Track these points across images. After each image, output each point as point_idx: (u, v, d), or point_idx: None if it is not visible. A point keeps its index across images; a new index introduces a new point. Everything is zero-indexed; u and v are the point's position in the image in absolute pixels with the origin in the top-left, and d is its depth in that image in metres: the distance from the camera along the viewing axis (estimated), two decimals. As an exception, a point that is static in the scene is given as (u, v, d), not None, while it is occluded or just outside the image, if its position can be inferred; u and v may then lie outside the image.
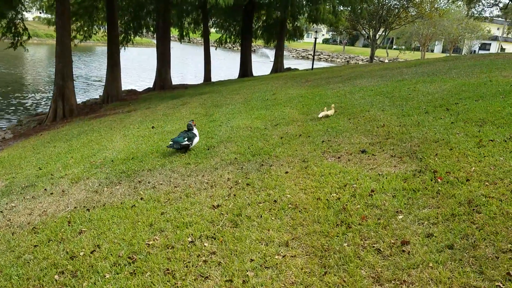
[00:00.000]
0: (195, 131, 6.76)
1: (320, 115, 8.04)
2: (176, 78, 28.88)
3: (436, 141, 5.53)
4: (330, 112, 8.10)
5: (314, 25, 27.87)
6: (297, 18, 29.13)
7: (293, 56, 68.34)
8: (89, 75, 31.37)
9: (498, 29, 70.68)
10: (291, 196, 4.52)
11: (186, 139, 6.53)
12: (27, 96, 22.21)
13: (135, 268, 3.40)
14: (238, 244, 3.58)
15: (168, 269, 3.32)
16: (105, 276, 3.37)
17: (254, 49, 60.37)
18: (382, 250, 3.27)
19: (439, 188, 4.12)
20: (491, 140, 5.19)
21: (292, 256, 3.36)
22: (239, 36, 29.68)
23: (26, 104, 20.32)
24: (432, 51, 68.77)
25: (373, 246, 3.34)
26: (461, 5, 40.04)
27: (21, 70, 32.52)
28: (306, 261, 3.28)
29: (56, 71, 15.70)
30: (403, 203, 3.96)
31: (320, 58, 66.18)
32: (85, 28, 22.25)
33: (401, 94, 9.22)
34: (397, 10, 37.49)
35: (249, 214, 4.16)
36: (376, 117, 7.40)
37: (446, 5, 40.22)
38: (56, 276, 3.51)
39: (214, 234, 3.81)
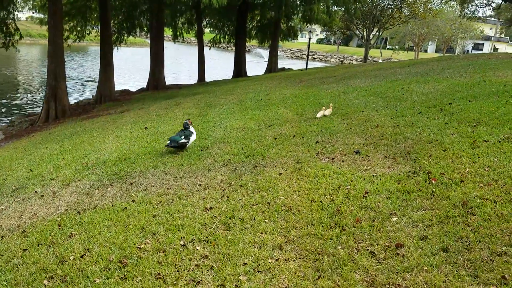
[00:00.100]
0: (192, 129, 6.81)
1: (318, 115, 8.07)
2: (170, 78, 28.77)
3: (430, 141, 5.51)
4: (328, 111, 8.13)
5: (308, 25, 27.85)
6: (291, 18, 29.11)
7: (287, 56, 68.37)
8: (82, 75, 31.19)
9: (491, 29, 71.11)
10: (285, 198, 4.47)
11: (183, 137, 6.59)
12: (19, 97, 22.03)
13: (125, 273, 3.34)
14: (230, 248, 3.53)
15: (159, 274, 3.26)
16: (95, 281, 3.31)
17: (249, 49, 60.29)
18: (376, 253, 3.23)
19: (433, 189, 4.09)
20: (485, 141, 5.18)
21: (285, 260, 3.32)
22: (233, 36, 29.63)
23: (18, 105, 20.15)
24: (426, 51, 69.05)
25: (367, 249, 3.30)
26: (454, 5, 40.23)
27: (14, 70, 32.28)
28: (299, 265, 3.24)
29: (48, 71, 15.58)
30: (397, 205, 3.93)
31: (314, 58, 66.25)
32: (78, 28, 22.10)
33: (395, 94, 9.21)
34: (390, 10, 37.60)
35: (242, 217, 4.11)
36: (370, 118, 7.38)
37: (440, 5, 40.42)
38: (45, 281, 3.44)
39: (207, 237, 3.76)
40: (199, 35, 27.02)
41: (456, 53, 58.65)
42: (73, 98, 21.63)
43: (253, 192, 4.74)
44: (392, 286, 2.85)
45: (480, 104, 7.07)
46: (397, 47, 61.47)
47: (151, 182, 5.46)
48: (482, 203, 3.65)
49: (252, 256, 3.40)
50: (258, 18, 29.49)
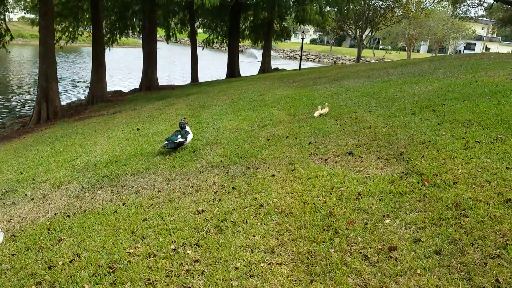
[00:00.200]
0: (188, 129, 6.86)
1: (316, 114, 8.12)
2: (163, 78, 28.67)
3: (422, 142, 5.49)
4: (325, 110, 8.19)
5: (301, 25, 27.87)
6: (284, 18, 29.11)
7: (281, 57, 68.40)
8: (74, 76, 30.99)
9: (483, 29, 71.63)
10: (278, 200, 4.43)
11: (179, 136, 6.64)
12: (11, 98, 21.83)
13: (115, 278, 3.28)
14: (222, 252, 3.49)
15: (149, 279, 3.20)
16: (84, 287, 3.25)
17: (242, 49, 60.25)
18: (369, 256, 3.20)
19: (426, 191, 4.07)
20: (478, 142, 5.17)
21: (277, 264, 3.27)
22: (226, 36, 29.57)
23: (10, 106, 19.97)
24: (418, 51, 69.37)
25: (360, 252, 3.27)
26: (447, 5, 40.42)
27: (5, 71, 31.98)
28: (292, 269, 3.20)
29: (39, 72, 15.45)
30: (390, 207, 3.90)
31: (308, 58, 66.34)
32: (71, 29, 21.94)
33: (388, 95, 9.21)
34: (383, 11, 37.71)
35: (235, 220, 4.06)
36: (362, 118, 7.36)
37: (432, 5, 40.56)
38: (33, 287, 3.38)
39: (198, 241, 3.71)
40: (192, 36, 26.94)
41: (448, 53, 58.96)
42: (65, 99, 21.48)
43: (246, 194, 4.70)
44: (385, 290, 2.82)
45: (472, 104, 7.08)
46: (389, 47, 61.70)
47: (142, 184, 5.40)
48: (475, 205, 3.63)
49: (244, 260, 3.35)
50: (251, 18, 29.46)
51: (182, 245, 3.66)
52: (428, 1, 39.36)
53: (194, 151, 6.67)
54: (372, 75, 13.75)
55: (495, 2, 27.31)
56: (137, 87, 22.69)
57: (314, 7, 24.24)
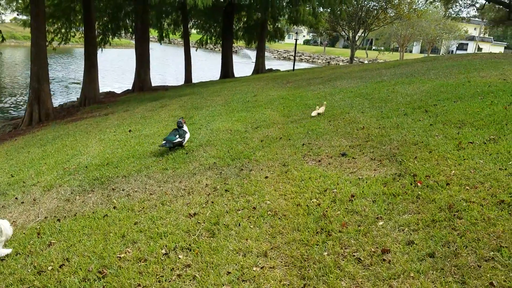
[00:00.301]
0: (185, 128, 6.86)
1: (313, 114, 8.14)
2: (157, 79, 28.55)
3: (415, 143, 5.48)
4: (322, 109, 8.24)
5: (295, 26, 27.88)
6: (277, 19, 29.11)
7: (275, 57, 68.42)
8: (67, 78, 30.78)
9: (475, 29, 72.08)
10: (271, 202, 4.40)
11: (177, 136, 6.63)
12: (3, 100, 21.64)
13: (105, 284, 3.23)
14: (214, 256, 3.44)
15: (139, 285, 3.15)
16: (74, 292, 3.19)
17: (236, 50, 60.22)
18: (362, 259, 3.17)
19: (419, 192, 4.05)
20: (471, 142, 5.17)
21: (270, 268, 3.24)
22: (220, 37, 29.52)
23: (2, 108, 19.78)
24: (411, 51, 69.71)
25: (354, 255, 3.24)
26: (439, 5, 40.61)
27: (-3, 73, 31.71)
28: (285, 273, 3.16)
29: (31, 74, 15.31)
30: (383, 209, 3.88)
31: (302, 59, 66.42)
32: (63, 31, 21.78)
33: (380, 95, 9.21)
34: (375, 12, 37.81)
35: (227, 223, 4.02)
36: (356, 119, 7.35)
37: (424, 6, 40.75)
38: (21, 293, 3.32)
39: (190, 245, 3.66)
40: (185, 36, 26.85)
41: (441, 54, 59.28)
42: (57, 101, 21.33)
43: (239, 196, 4.66)
44: (378, 294, 2.79)
45: (465, 105, 7.08)
46: (382, 48, 61.92)
47: (134, 187, 5.34)
48: (469, 207, 3.62)
49: (236, 264, 3.31)
50: (245, 19, 29.43)
51: (174, 249, 3.61)
52: (421, 2, 39.56)
53: (187, 153, 6.61)
54: (365, 75, 13.76)
55: (487, 2, 27.48)
56: (130, 88, 22.57)
57: (307, 8, 24.25)
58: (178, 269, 3.32)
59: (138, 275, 3.28)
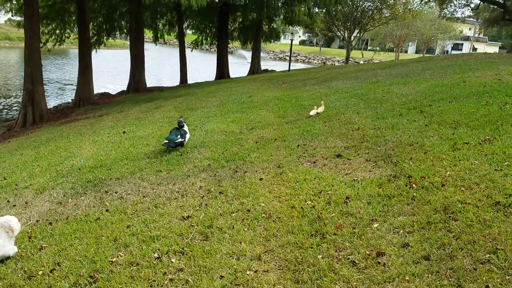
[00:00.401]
0: (186, 128, 6.90)
1: (311, 113, 8.17)
2: (152, 80, 28.46)
3: (410, 144, 5.45)
4: (320, 109, 8.27)
5: (290, 26, 27.85)
6: (273, 19, 29.08)
7: (271, 58, 68.41)
8: (61, 79, 30.62)
9: (470, 29, 72.34)
10: (265, 204, 4.35)
11: (179, 136, 6.67)
12: (-3, 102, 21.49)
13: (96, 289, 3.18)
14: (207, 259, 3.39)
15: (131, 290, 3.10)
16: (64, 298, 3.14)
17: (232, 51, 60.17)
18: (357, 262, 3.14)
19: (414, 194, 4.02)
20: (466, 143, 5.14)
21: (264, 271, 3.19)
22: (215, 37, 29.43)
23: (-4, 110, 19.65)
24: (406, 51, 69.84)
25: (348, 258, 3.20)
26: (434, 6, 40.70)
27: (-10, 74, 31.50)
28: (278, 276, 3.12)
29: (25, 75, 15.20)
30: (378, 211, 3.84)
31: (297, 59, 66.46)
32: (57, 32, 21.65)
33: (376, 96, 9.19)
34: (371, 12, 37.84)
35: (221, 226, 3.97)
36: (351, 120, 7.32)
37: (419, 6, 40.84)
38: (11, 299, 3.26)
39: (183, 248, 3.61)
40: (180, 37, 26.75)
41: (436, 54, 59.43)
42: (52, 102, 21.21)
43: (233, 199, 4.61)
44: (373, 298, 2.75)
45: (460, 105, 7.07)
46: (378, 48, 62.03)
47: (127, 189, 5.28)
48: (464, 208, 3.59)
49: (229, 268, 3.27)
50: (240, 19, 29.37)
51: (166, 253, 3.56)
52: (416, 2, 39.65)
53: (181, 155, 6.56)
54: (361, 76, 13.74)
55: (481, 2, 27.57)
56: (125, 89, 22.47)
57: (302, 8, 24.22)
58: (171, 273, 3.27)
59: (130, 280, 3.23)
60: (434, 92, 8.58)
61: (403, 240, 3.31)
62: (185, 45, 27.63)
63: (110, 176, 5.92)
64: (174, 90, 20.61)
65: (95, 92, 19.80)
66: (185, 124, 6.94)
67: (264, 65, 36.82)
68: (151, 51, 47.43)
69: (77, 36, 18.81)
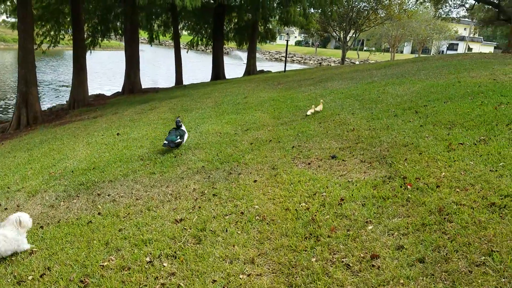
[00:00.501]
0: (183, 127, 6.95)
1: (308, 113, 8.18)
2: (148, 81, 28.37)
3: (405, 145, 5.42)
4: (319, 107, 8.32)
5: (286, 27, 27.84)
6: (268, 20, 29.02)
7: (267, 58, 68.42)
8: (56, 80, 30.47)
9: (465, 29, 72.53)
10: (259, 207, 4.31)
11: (178, 137, 6.72)
12: (-10, 103, 21.36)
13: (86, 294, 3.12)
14: (200, 263, 3.34)
15: (122, 295, 3.05)
16: (53, 304, 3.08)
17: (228, 51, 60.09)
18: (351, 265, 3.09)
19: (409, 195, 3.98)
20: (461, 144, 5.12)
21: (257, 275, 3.15)
22: (210, 38, 29.37)
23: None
24: (402, 52, 70.02)
25: (342, 261, 3.16)
26: (429, 6, 40.80)
27: (-16, 76, 31.32)
28: (272, 280, 3.07)
29: (19, 77, 15.09)
30: (372, 212, 3.81)
31: (293, 60, 66.49)
32: (52, 33, 21.53)
33: (371, 96, 9.16)
34: (366, 12, 37.88)
35: (214, 228, 3.92)
36: (346, 121, 7.29)
37: (414, 6, 40.89)
38: (0, 305, 3.20)
39: (175, 252, 3.56)
40: (176, 38, 26.67)
41: (431, 54, 59.58)
42: (47, 104, 21.10)
43: (227, 201, 4.57)
44: (367, 302, 2.71)
45: (455, 105, 7.05)
46: (373, 48, 62.12)
47: (120, 192, 5.23)
48: (459, 209, 3.56)
49: (222, 272, 3.22)
50: (236, 20, 29.33)
51: (158, 257, 3.50)
52: (411, 2, 39.70)
53: (175, 156, 6.51)
54: (356, 76, 13.73)
55: (476, 2, 27.64)
56: (120, 91, 22.36)
57: (298, 9, 24.20)
58: (162, 277, 3.22)
59: (121, 284, 3.17)
60: (429, 92, 8.56)
61: (397, 242, 3.27)
62: (181, 46, 27.55)
63: (103, 178, 5.85)
64: (169, 91, 20.53)
65: (90, 94, 19.70)
66: (182, 124, 6.96)
67: (260, 65, 36.81)
68: (146, 52, 47.33)
69: (71, 37, 18.71)
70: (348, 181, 4.63)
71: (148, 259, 3.48)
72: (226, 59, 31.83)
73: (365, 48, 70.31)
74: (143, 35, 27.84)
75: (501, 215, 3.38)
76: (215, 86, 19.10)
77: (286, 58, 29.37)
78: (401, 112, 7.22)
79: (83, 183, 5.78)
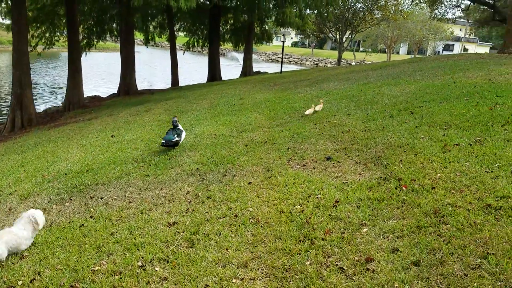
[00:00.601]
0: (180, 127, 7.00)
1: (307, 112, 8.17)
2: (144, 83, 28.29)
3: (400, 146, 5.39)
4: (319, 107, 8.33)
5: (282, 28, 27.83)
6: (264, 21, 29.03)
7: (263, 60, 68.44)
8: (52, 82, 30.35)
9: (460, 30, 72.76)
10: (253, 209, 4.26)
11: (175, 135, 6.75)
12: (-15, 106, 21.23)
13: (76, 300, 3.07)
14: (192, 268, 3.29)
15: (112, 300, 3.00)
16: (43, 310, 3.03)
17: (224, 53, 60.04)
18: (345, 268, 3.05)
19: (404, 197, 3.95)
20: (456, 144, 5.09)
21: (250, 279, 3.10)
22: (207, 40, 29.32)
23: (-16, 114, 19.39)
24: (398, 52, 70.12)
25: (336, 265, 3.12)
26: (424, 7, 40.88)
27: (-20, 78, 31.15)
28: (265, 284, 3.03)
29: (13, 80, 15.02)
30: (367, 215, 3.77)
31: (290, 61, 66.50)
32: (47, 35, 21.44)
33: (366, 97, 9.14)
34: (362, 13, 37.92)
35: (207, 232, 3.88)
36: (341, 122, 7.25)
37: (410, 7, 40.97)
38: (-12, 311, 3.14)
39: (168, 256, 3.51)
40: (172, 39, 26.62)
41: (427, 55, 59.71)
42: (42, 106, 20.98)
43: (221, 204, 4.52)
44: (362, 306, 2.67)
45: (450, 106, 7.03)
46: (370, 49, 62.18)
47: (113, 195, 5.17)
48: (454, 211, 3.52)
49: (215, 276, 3.17)
50: (232, 21, 29.29)
51: (150, 261, 3.45)
52: (406, 3, 39.76)
53: (169, 158, 6.46)
54: (352, 77, 13.71)
55: (472, 3, 27.71)
56: (116, 92, 22.28)
57: (293, 10, 24.20)
58: (154, 282, 3.17)
59: (112, 290, 3.12)
60: (424, 93, 8.54)
61: (392, 245, 3.23)
62: (177, 47, 27.49)
63: (97, 181, 5.80)
64: (165, 92, 20.48)
65: (85, 95, 19.62)
66: (178, 124, 6.99)
67: (257, 67, 36.80)
68: (142, 53, 47.27)
69: (67, 39, 18.63)
70: (343, 182, 4.59)
71: (140, 263, 3.43)
72: (222, 60, 31.77)
73: (361, 49, 70.39)
74: (139, 36, 27.77)
75: (496, 217, 3.35)
76: (211, 87, 19.06)
77: (282, 59, 29.30)
78: (397, 113, 7.20)
79: (76, 186, 5.72)
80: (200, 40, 30.35)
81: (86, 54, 22.33)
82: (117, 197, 5.07)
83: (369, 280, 2.88)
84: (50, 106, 20.70)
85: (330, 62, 60.21)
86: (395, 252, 3.15)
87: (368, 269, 3.00)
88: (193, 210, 4.42)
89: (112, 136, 8.86)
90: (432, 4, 29.59)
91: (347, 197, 4.19)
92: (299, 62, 66.63)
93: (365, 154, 5.39)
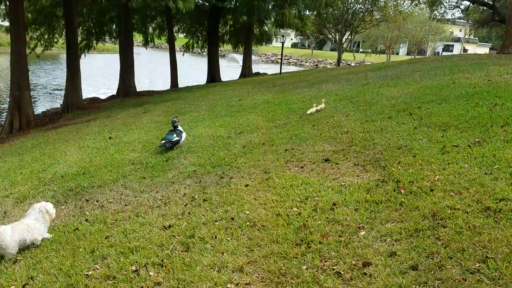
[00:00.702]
0: (180, 128, 7.05)
1: (309, 112, 8.17)
2: (143, 84, 28.24)
3: (399, 147, 5.34)
4: (321, 106, 8.36)
5: (281, 29, 27.80)
6: (263, 22, 29.00)
7: (263, 61, 68.37)
8: (51, 84, 30.31)
9: (460, 30, 72.67)
10: (250, 212, 4.21)
11: (175, 135, 6.84)
12: (-16, 108, 21.17)
13: (68, 306, 3.02)
14: (187, 272, 3.24)
15: (105, 306, 2.95)
16: (35, 316, 2.98)
17: (224, 54, 59.98)
18: (342, 273, 3.00)
19: (402, 199, 3.90)
20: (455, 146, 5.04)
21: (246, 284, 3.05)
22: (206, 41, 29.29)
23: (-17, 116, 19.33)
24: (397, 53, 70.05)
25: (333, 269, 3.07)
26: (424, 8, 40.84)
27: (-22, 80, 31.11)
28: (260, 289, 2.98)
29: (11, 82, 14.99)
30: (365, 217, 3.72)
31: (290, 62, 66.44)
32: (46, 37, 21.42)
33: (365, 98, 9.09)
34: (362, 14, 37.89)
35: (203, 235, 3.82)
36: (340, 123, 7.21)
37: (410, 8, 40.93)
38: (-20, 317, 3.09)
39: (162, 260, 3.46)
40: (171, 41, 26.57)
41: (427, 55, 59.69)
42: (41, 108, 20.94)
43: (217, 206, 4.47)
44: (358, 312, 2.62)
45: (449, 107, 6.98)
46: (369, 50, 62.12)
47: (109, 198, 5.12)
48: (453, 214, 3.47)
49: (210, 281, 3.12)
50: (231, 22, 29.27)
51: (144, 265, 3.40)
52: (406, 4, 39.73)
53: (167, 160, 6.41)
54: (351, 78, 13.66)
55: (471, 4, 27.68)
56: (115, 94, 22.23)
57: (293, 11, 24.17)
58: (148, 287, 3.11)
59: (105, 295, 3.07)
60: (423, 94, 8.50)
61: (390, 249, 3.19)
62: (176, 48, 27.45)
63: (93, 183, 5.74)
64: (164, 94, 20.43)
65: (84, 97, 19.57)
66: (178, 125, 7.02)
67: (256, 68, 36.75)
68: (142, 55, 47.20)
69: (65, 41, 18.61)
70: (341, 185, 4.55)
71: (134, 268, 3.38)
72: (222, 62, 31.74)
73: (361, 50, 70.34)
74: (138, 38, 27.73)
75: (496, 219, 3.30)
76: (210, 88, 19.02)
77: (282, 60, 29.26)
78: (395, 114, 7.15)
79: (72, 188, 5.67)
80: (199, 41, 30.32)
81: (85, 55, 22.31)
82: (113, 200, 5.02)
83: (366, 285, 2.83)
84: (48, 108, 20.67)
85: (330, 63, 60.16)
86: (392, 256, 3.10)
87: (365, 273, 2.95)
88: (189, 213, 4.37)
89: (109, 138, 8.81)
90: (432, 4, 29.57)
91: (344, 199, 4.14)
92: (298, 63, 66.59)
93: (364, 155, 5.34)
